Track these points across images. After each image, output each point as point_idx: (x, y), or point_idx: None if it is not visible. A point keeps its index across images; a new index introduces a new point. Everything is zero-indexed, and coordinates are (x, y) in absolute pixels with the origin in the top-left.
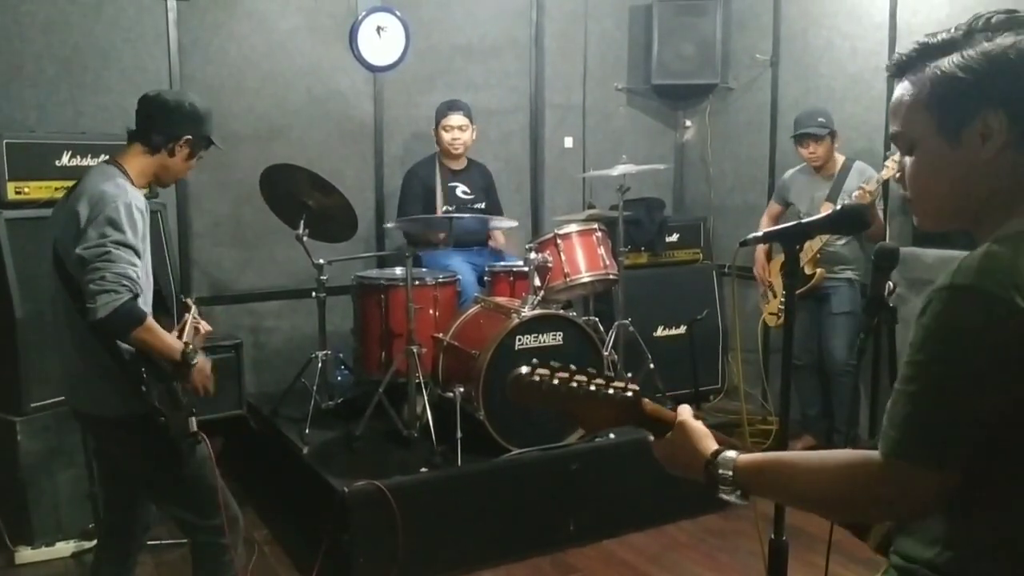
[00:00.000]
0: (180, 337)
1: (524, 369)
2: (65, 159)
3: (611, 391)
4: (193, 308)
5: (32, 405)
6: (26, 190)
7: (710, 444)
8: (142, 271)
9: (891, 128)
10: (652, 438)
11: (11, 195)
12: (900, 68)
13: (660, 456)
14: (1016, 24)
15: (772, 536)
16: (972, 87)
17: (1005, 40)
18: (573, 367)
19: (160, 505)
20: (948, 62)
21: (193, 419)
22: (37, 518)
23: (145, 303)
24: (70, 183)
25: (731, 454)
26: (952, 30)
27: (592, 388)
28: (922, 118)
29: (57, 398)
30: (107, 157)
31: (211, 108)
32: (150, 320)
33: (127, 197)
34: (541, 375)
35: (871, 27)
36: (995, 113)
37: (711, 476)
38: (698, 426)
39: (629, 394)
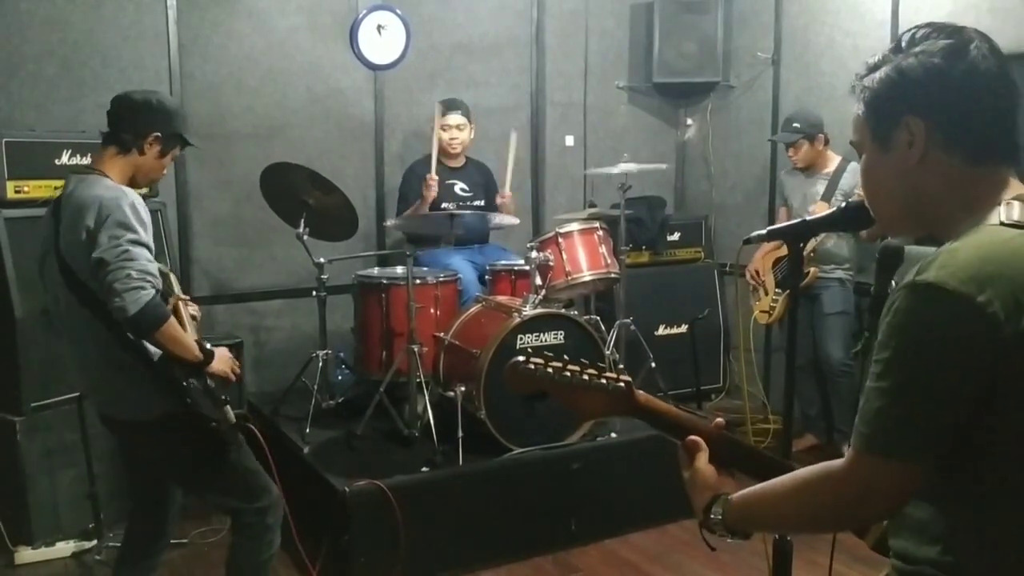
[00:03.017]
0: (177, 321)
1: (520, 357)
2: (65, 158)
3: (603, 380)
4: (174, 280)
5: (32, 405)
6: (26, 189)
7: (706, 497)
8: (156, 266)
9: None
10: (680, 444)
11: (11, 194)
12: (853, 87)
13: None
14: (936, 35)
15: (776, 536)
16: (889, 97)
17: (919, 49)
18: (567, 357)
19: (205, 497)
20: (871, 78)
21: (229, 408)
22: (37, 518)
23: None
24: None
25: (719, 508)
26: (889, 47)
27: (584, 377)
28: (863, 129)
29: (57, 397)
30: (86, 165)
31: (181, 105)
32: (172, 318)
33: (128, 197)
34: (536, 363)
35: (873, 24)
36: (913, 119)
37: (707, 525)
38: (702, 476)
39: (621, 384)
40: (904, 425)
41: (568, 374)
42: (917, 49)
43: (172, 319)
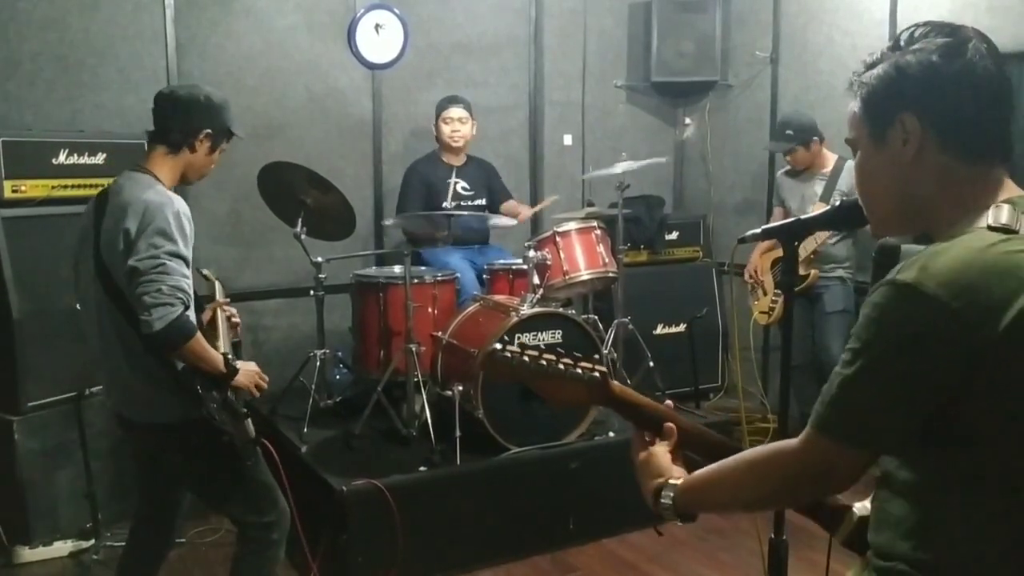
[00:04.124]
0: (212, 328)
1: (497, 346)
2: (62, 157)
3: (579, 370)
4: (218, 287)
5: (29, 404)
6: (23, 188)
7: (656, 482)
8: (191, 281)
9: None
10: (634, 430)
11: (8, 193)
12: (851, 84)
13: (634, 465)
14: (934, 33)
15: (772, 535)
16: (885, 94)
17: (917, 47)
18: (543, 347)
19: (214, 505)
20: (868, 74)
21: (250, 422)
22: (35, 518)
23: (192, 313)
24: (68, 181)
25: (673, 482)
26: (888, 45)
27: (560, 367)
28: (858, 126)
29: (55, 397)
30: (135, 165)
31: (227, 98)
32: (199, 333)
33: (174, 205)
34: (512, 352)
35: (871, 24)
36: (909, 116)
37: (657, 510)
38: (658, 463)
39: (596, 375)
40: (860, 415)
41: (544, 363)
42: (915, 47)
43: (198, 336)
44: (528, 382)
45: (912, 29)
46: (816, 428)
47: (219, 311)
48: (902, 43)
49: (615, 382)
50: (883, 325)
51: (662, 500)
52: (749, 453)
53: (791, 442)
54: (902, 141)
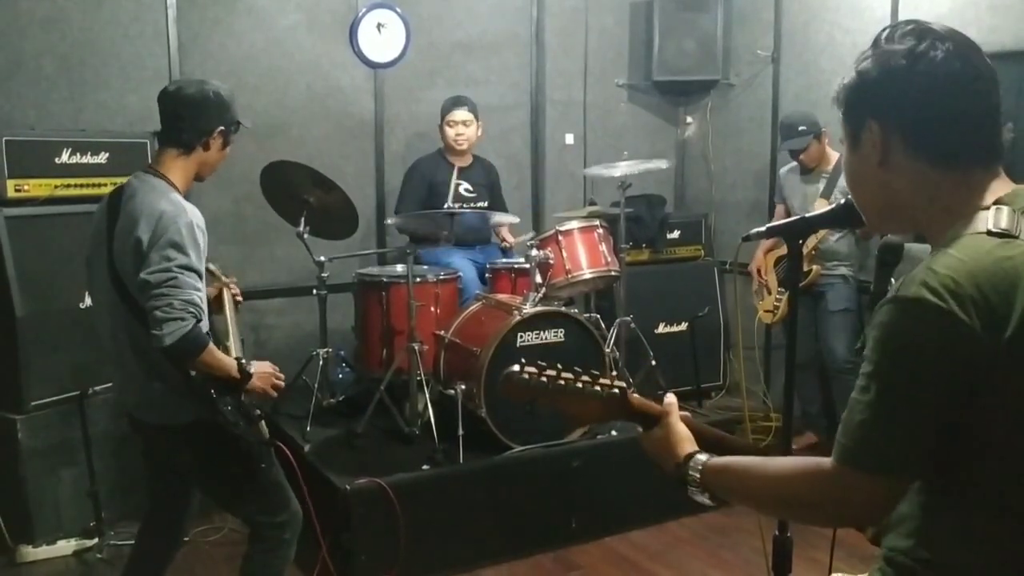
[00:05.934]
0: (218, 304)
1: (514, 367)
2: (65, 156)
3: (597, 388)
4: (216, 270)
5: (33, 403)
6: (26, 188)
7: (686, 447)
8: (204, 293)
9: None
10: (640, 430)
11: (11, 193)
12: None
13: (644, 448)
14: (901, 36)
15: (776, 532)
16: (854, 99)
17: (881, 50)
18: (559, 366)
19: (228, 506)
20: (845, 77)
21: (264, 424)
22: (38, 516)
23: (205, 324)
24: (70, 180)
25: (702, 457)
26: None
27: (579, 385)
28: (842, 128)
29: (58, 396)
30: (147, 166)
31: (233, 90)
32: (211, 344)
33: (187, 216)
34: (530, 373)
35: (872, 22)
36: (872, 121)
37: (681, 476)
38: (680, 429)
39: (615, 391)
40: (885, 440)
41: (562, 382)
42: (879, 50)
43: (210, 347)
44: (547, 402)
45: (887, 30)
46: (841, 461)
47: (225, 290)
48: (882, 43)
49: (635, 395)
50: (892, 345)
51: (690, 471)
52: (791, 463)
53: (827, 464)
54: (871, 145)
